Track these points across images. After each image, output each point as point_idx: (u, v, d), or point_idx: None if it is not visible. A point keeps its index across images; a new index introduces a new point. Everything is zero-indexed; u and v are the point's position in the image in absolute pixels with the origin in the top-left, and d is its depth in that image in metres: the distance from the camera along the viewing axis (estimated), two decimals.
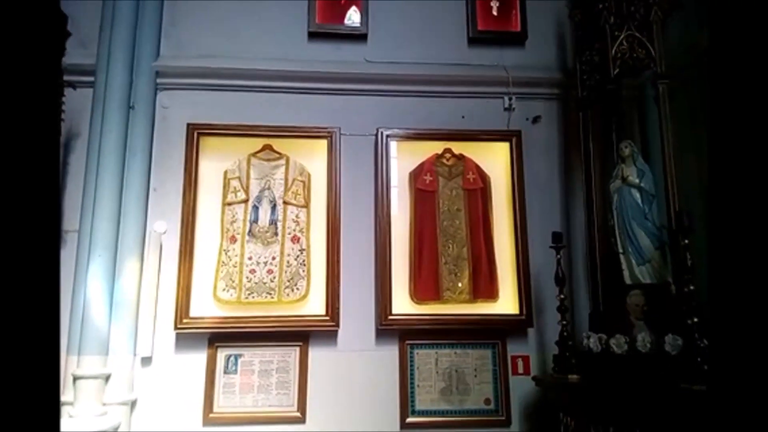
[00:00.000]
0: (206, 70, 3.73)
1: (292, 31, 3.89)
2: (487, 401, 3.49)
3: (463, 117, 3.88)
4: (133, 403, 3.30)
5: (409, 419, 3.42)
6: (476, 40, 4.00)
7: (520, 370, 3.56)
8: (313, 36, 3.90)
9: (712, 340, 2.28)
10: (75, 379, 3.09)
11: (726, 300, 1.59)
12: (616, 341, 2.84)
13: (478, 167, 3.79)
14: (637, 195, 3.12)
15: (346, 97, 3.84)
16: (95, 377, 3.12)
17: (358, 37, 3.93)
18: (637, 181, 3.12)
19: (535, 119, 3.92)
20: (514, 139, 3.79)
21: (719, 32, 1.81)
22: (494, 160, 3.83)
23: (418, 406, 3.44)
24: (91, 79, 3.56)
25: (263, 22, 3.89)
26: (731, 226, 1.63)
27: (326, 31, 3.91)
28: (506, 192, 3.77)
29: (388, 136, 3.73)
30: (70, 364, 3.16)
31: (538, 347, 3.61)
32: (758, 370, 1.47)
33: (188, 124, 3.62)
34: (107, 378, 3.19)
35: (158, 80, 3.71)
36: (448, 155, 3.79)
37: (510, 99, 3.90)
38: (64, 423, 2.98)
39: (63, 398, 3.11)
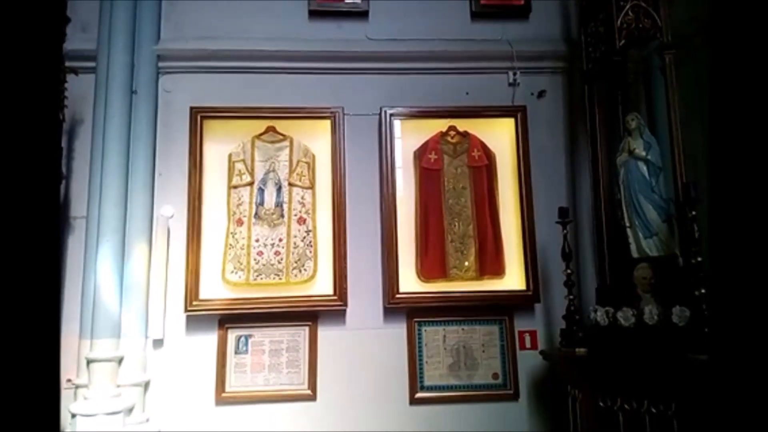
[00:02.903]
0: (207, 52, 3.71)
1: (293, 10, 3.84)
2: (495, 376, 3.53)
3: (467, 93, 3.84)
4: (147, 385, 3.36)
5: (419, 394, 3.46)
6: (479, 14, 3.94)
7: (528, 344, 3.58)
8: (313, 14, 3.85)
9: (716, 311, 2.29)
10: (89, 362, 3.14)
11: (728, 270, 1.59)
12: (623, 314, 2.85)
13: (483, 144, 3.76)
14: (644, 168, 3.09)
15: (349, 76, 3.81)
16: (108, 360, 3.17)
17: (359, 14, 3.88)
18: (643, 153, 3.09)
19: (540, 94, 3.88)
20: (519, 115, 3.76)
21: (721, 3, 1.78)
22: (499, 136, 3.80)
23: (427, 382, 3.48)
24: (93, 64, 3.56)
25: (263, 1, 3.83)
26: (733, 199, 1.62)
27: (327, 9, 3.86)
28: (512, 168, 3.75)
29: (391, 114, 3.71)
30: (83, 348, 3.22)
31: (545, 322, 3.62)
32: (762, 340, 1.47)
33: (191, 108, 3.62)
34: (120, 360, 3.24)
35: (160, 64, 3.70)
36: (452, 133, 3.77)
37: (514, 74, 3.85)
38: (80, 405, 3.05)
39: (77, 381, 3.18)
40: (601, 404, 2.81)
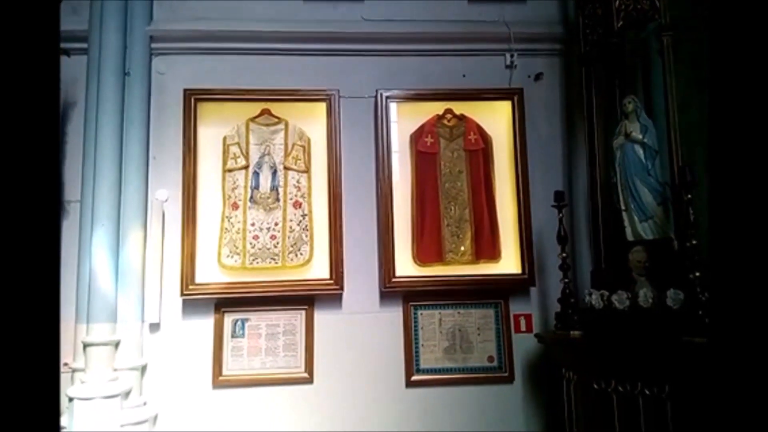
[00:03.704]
0: (200, 33, 3.66)
1: None
2: (490, 359, 3.55)
3: (464, 76, 3.82)
4: (144, 368, 3.37)
5: (415, 377, 3.49)
6: None
7: (523, 327, 3.61)
8: None
9: (713, 294, 2.30)
10: (85, 346, 3.15)
11: (727, 253, 1.60)
12: (618, 297, 2.86)
13: (479, 127, 3.74)
14: (640, 151, 3.08)
15: (344, 58, 3.77)
16: (105, 344, 3.18)
17: None
18: (640, 136, 3.07)
19: (537, 76, 3.85)
20: (516, 98, 3.73)
21: None
22: (496, 119, 3.78)
23: (423, 365, 3.51)
24: (85, 45, 3.50)
25: None
26: (732, 181, 1.62)
27: None
28: (508, 151, 3.74)
29: (387, 97, 3.68)
30: (79, 332, 3.22)
31: (540, 305, 3.64)
32: (759, 323, 1.48)
33: (185, 90, 3.58)
34: (117, 344, 3.24)
35: (152, 45, 3.64)
36: (449, 116, 3.74)
37: (511, 56, 3.82)
38: (77, 389, 3.06)
39: (74, 365, 3.19)
40: (595, 386, 2.83)
